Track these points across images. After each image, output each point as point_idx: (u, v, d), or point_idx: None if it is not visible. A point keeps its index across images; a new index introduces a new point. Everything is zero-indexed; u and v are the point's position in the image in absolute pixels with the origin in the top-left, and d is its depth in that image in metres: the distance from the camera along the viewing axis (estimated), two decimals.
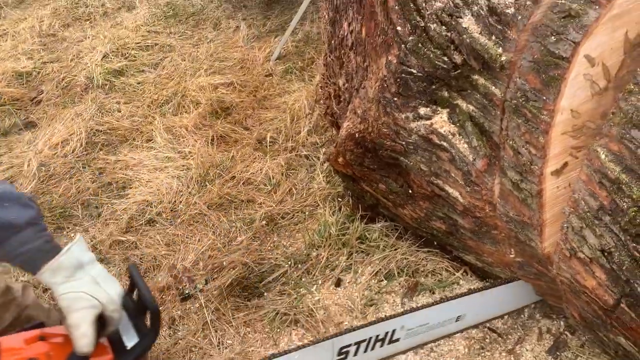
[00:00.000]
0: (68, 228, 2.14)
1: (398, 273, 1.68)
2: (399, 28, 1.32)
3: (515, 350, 1.44)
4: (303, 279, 1.75)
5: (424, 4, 1.29)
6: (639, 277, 1.00)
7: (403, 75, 1.33)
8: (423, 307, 1.33)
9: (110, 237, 2.02)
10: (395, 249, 1.73)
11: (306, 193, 2.08)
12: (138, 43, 3.38)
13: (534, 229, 1.22)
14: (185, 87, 2.78)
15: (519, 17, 1.19)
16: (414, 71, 1.33)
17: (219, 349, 1.57)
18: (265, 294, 1.74)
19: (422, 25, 1.29)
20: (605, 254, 1.03)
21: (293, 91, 2.71)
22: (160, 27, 3.57)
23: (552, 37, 1.13)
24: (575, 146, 1.17)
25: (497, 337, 1.48)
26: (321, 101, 1.91)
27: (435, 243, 1.67)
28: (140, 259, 1.93)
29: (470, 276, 1.62)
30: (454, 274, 1.62)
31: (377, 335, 1.29)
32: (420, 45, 1.30)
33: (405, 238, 1.74)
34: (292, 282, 1.75)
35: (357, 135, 1.48)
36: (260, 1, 3.69)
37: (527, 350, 1.45)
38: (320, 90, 1.89)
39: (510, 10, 1.20)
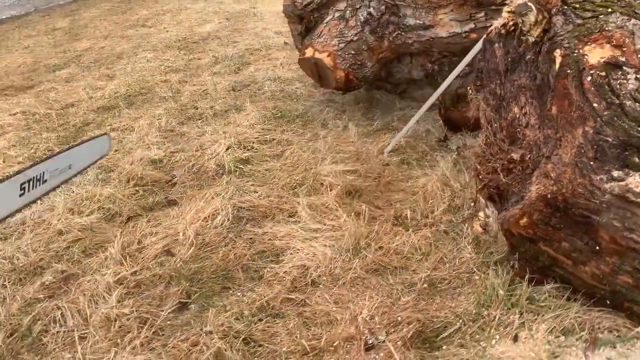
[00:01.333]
0: (233, 288, 2.32)
1: (574, 330, 1.81)
2: (595, 105, 1.60)
3: None
4: (478, 336, 1.88)
5: (618, 86, 1.57)
6: None
7: (600, 142, 1.59)
8: None
9: (280, 295, 2.19)
10: (567, 309, 1.87)
11: (459, 261, 2.26)
12: (257, 138, 3.76)
13: None
14: (316, 172, 3.08)
15: None
16: (610, 139, 1.58)
17: None
18: (444, 347, 1.87)
19: (617, 102, 1.57)
20: None
21: (417, 177, 2.98)
22: (272, 126, 3.97)
23: None
24: None
25: None
26: (480, 177, 2.15)
27: (608, 302, 1.81)
28: (314, 314, 2.08)
29: None
30: (632, 330, 1.75)
31: None
32: (615, 118, 1.57)
33: (575, 299, 1.89)
34: (468, 336, 1.88)
35: (549, 196, 1.70)
36: (361, 106, 4.11)
37: None
38: (479, 167, 2.14)
39: None
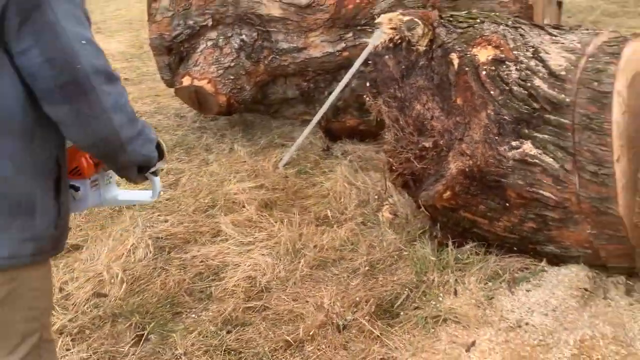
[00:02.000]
0: (185, 312, 2.34)
1: (496, 276, 2.24)
2: (492, 92, 2.06)
3: None
4: (425, 297, 2.22)
5: (505, 76, 2.05)
6: None
7: (500, 121, 2.04)
8: None
9: (238, 306, 2.29)
10: (486, 261, 2.31)
11: (386, 244, 2.59)
12: None
13: (611, 198, 1.92)
14: (225, 192, 3.19)
15: (569, 76, 2.00)
16: (507, 117, 2.04)
17: (400, 351, 1.94)
18: (401, 313, 2.17)
19: (507, 88, 2.04)
20: None
21: (320, 182, 3.27)
22: None
23: (595, 83, 1.94)
24: (620, 145, 1.94)
25: None
26: (393, 168, 2.51)
27: (515, 249, 2.28)
28: (278, 315, 2.23)
29: (547, 263, 2.23)
30: (539, 264, 2.23)
31: None
32: (508, 101, 2.04)
33: (491, 251, 2.33)
34: (418, 300, 2.20)
35: (467, 170, 2.11)
36: (238, 128, 4.28)
37: None
38: (391, 160, 2.50)
39: (563, 73, 2.01)
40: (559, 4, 3.89)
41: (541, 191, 2.05)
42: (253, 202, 3.06)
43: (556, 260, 2.23)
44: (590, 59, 2.02)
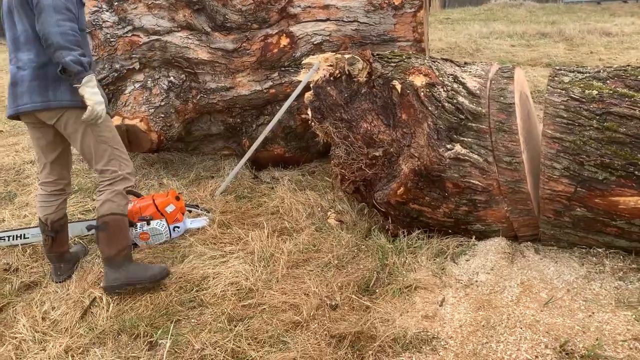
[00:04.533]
0: (183, 318, 2.54)
1: (441, 253, 2.83)
2: (430, 108, 2.70)
3: None
4: (391, 276, 2.72)
5: (438, 96, 2.71)
6: (582, 172, 2.49)
7: (438, 129, 2.68)
8: None
9: (235, 306, 2.56)
10: (430, 242, 2.89)
11: (344, 242, 3.05)
12: (70, 210, 3.74)
13: (522, 180, 2.63)
14: None
15: (482, 94, 2.72)
16: (442, 127, 2.69)
17: (390, 314, 2.40)
18: (377, 290, 2.63)
19: (441, 105, 2.70)
20: (566, 169, 2.51)
21: (264, 203, 3.64)
22: (80, 198, 3.97)
23: (501, 98, 2.68)
24: (522, 140, 2.68)
25: None
26: (345, 178, 3.02)
27: (450, 231, 2.91)
28: (274, 307, 2.55)
29: (476, 239, 2.88)
30: (470, 240, 2.87)
31: None
32: (441, 114, 2.69)
33: (432, 235, 2.92)
34: (386, 279, 2.69)
35: (416, 168, 2.69)
36: (158, 166, 4.46)
37: None
38: (343, 171, 3.01)
39: (478, 91, 2.72)
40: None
41: (471, 180, 2.70)
42: (211, 224, 3.33)
43: (481, 236, 2.89)
44: (493, 82, 2.77)
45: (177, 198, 3.32)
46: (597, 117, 2.46)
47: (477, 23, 12.75)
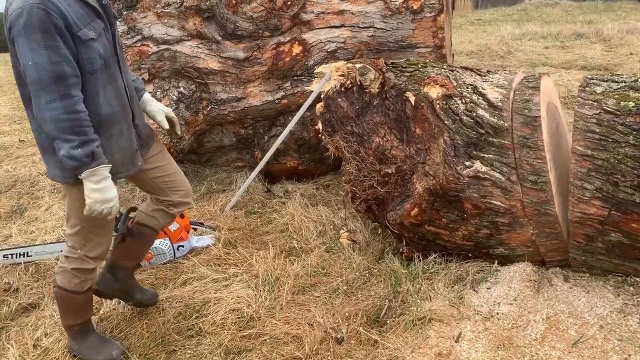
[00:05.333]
0: (179, 349, 2.38)
1: (459, 279, 2.59)
2: (446, 122, 2.46)
3: None
4: (405, 305, 2.49)
5: (455, 108, 2.47)
6: (617, 194, 2.22)
7: (455, 145, 2.45)
8: None
9: (234, 336, 2.38)
10: (449, 267, 2.65)
11: (355, 265, 2.84)
12: None
13: (549, 201, 2.37)
14: None
15: (505, 106, 2.47)
16: (460, 142, 2.46)
17: (400, 350, 2.18)
18: (388, 321, 2.41)
19: (458, 118, 2.46)
20: (598, 190, 2.25)
21: (274, 219, 3.46)
22: None
23: (526, 110, 2.43)
24: (549, 158, 2.42)
25: None
26: (356, 195, 2.81)
27: (470, 255, 2.66)
28: (275, 338, 2.36)
29: (499, 264, 2.63)
30: (492, 265, 2.62)
31: None
32: (459, 128, 2.46)
33: (451, 259, 2.68)
34: (399, 309, 2.47)
35: (431, 188, 2.47)
36: None
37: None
38: (354, 188, 2.80)
39: (500, 103, 2.47)
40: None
41: (493, 201, 2.45)
42: (216, 243, 3.17)
43: (505, 261, 2.63)
44: (517, 92, 2.52)
45: (182, 215, 3.17)
46: (634, 133, 2.19)
47: (510, 24, 12.33)
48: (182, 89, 3.87)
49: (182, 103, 3.86)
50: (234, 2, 3.67)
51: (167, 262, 3.10)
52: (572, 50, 8.56)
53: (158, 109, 2.35)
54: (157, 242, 3.05)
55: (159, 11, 3.83)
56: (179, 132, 2.44)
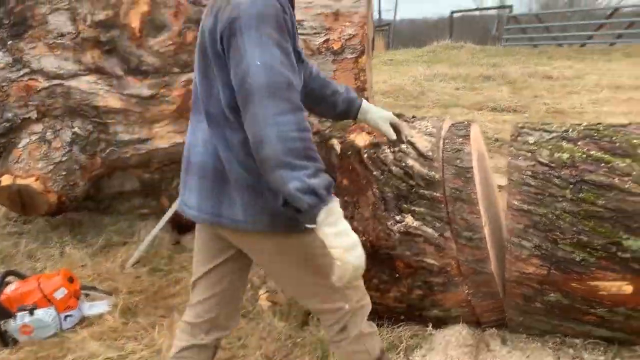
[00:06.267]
0: None
1: (392, 347, 2.33)
2: (374, 173, 2.24)
3: None
4: None
5: (384, 158, 2.26)
6: (555, 252, 2.08)
7: (384, 197, 2.22)
8: None
9: None
10: (379, 333, 2.38)
11: (277, 333, 2.51)
12: None
13: (485, 259, 2.20)
14: None
15: (435, 155, 2.29)
16: (389, 195, 2.24)
17: None
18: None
19: (387, 169, 2.25)
20: (537, 248, 2.09)
21: (182, 278, 3.05)
22: None
23: (457, 160, 2.26)
24: (483, 211, 2.26)
25: None
26: None
27: (402, 317, 2.42)
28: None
29: (433, 327, 2.41)
30: (426, 329, 2.39)
31: None
32: (388, 179, 2.24)
33: (382, 324, 2.43)
34: None
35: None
36: (63, 229, 3.81)
37: None
38: None
39: (430, 153, 2.29)
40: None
41: (426, 259, 2.24)
42: (112, 310, 2.72)
43: (439, 323, 2.42)
44: (446, 141, 2.35)
45: (71, 279, 2.70)
46: (571, 187, 2.07)
47: (421, 65, 12.73)
48: (76, 129, 3.42)
49: (76, 145, 3.40)
50: (139, 34, 3.32)
51: (51, 335, 2.61)
52: (481, 92, 8.88)
53: (379, 117, 2.04)
54: (40, 313, 2.57)
55: (50, 42, 3.39)
56: (404, 139, 2.16)
